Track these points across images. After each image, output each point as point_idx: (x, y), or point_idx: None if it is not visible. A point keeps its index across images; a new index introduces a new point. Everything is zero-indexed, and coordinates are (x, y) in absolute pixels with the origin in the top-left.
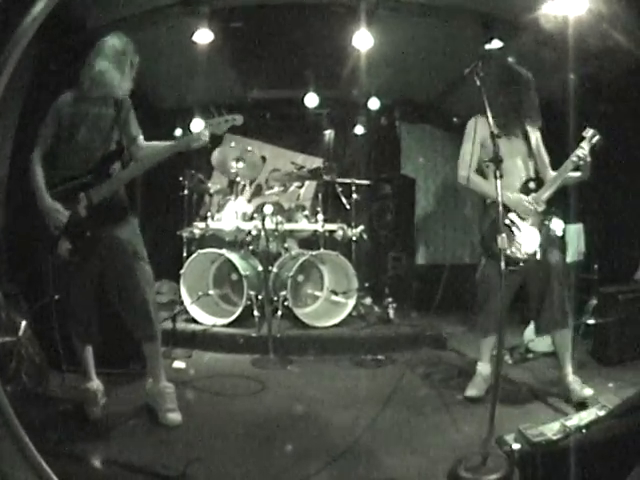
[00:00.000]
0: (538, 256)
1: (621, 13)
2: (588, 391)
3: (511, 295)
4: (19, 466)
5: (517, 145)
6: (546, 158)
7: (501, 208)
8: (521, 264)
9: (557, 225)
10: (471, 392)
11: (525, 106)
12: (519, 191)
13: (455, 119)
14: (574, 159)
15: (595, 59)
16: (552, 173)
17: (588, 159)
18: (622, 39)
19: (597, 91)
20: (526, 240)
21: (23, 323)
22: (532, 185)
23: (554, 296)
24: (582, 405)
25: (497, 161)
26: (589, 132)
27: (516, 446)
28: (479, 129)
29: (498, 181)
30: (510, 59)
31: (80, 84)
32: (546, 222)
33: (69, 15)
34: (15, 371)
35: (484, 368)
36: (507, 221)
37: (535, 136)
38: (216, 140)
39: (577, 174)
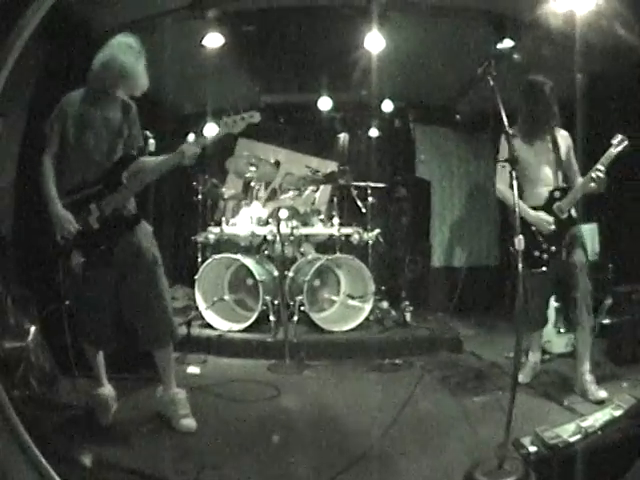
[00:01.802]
0: (564, 257)
1: (629, 9)
2: (603, 393)
3: (546, 295)
4: (25, 472)
5: (545, 153)
6: (576, 166)
7: (518, 209)
8: (543, 268)
9: (583, 228)
10: (520, 378)
11: (551, 114)
12: (545, 200)
13: (469, 120)
14: (593, 176)
15: (603, 56)
16: (581, 179)
17: (604, 179)
18: (630, 36)
19: (605, 89)
20: (550, 242)
21: (32, 329)
22: (558, 194)
23: (580, 293)
24: (597, 404)
25: (513, 161)
26: (617, 138)
27: (533, 449)
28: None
29: (514, 182)
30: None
31: (90, 78)
32: (570, 228)
33: (77, 17)
34: (23, 377)
35: (533, 356)
36: (532, 227)
37: (566, 143)
38: (230, 146)
39: (593, 185)
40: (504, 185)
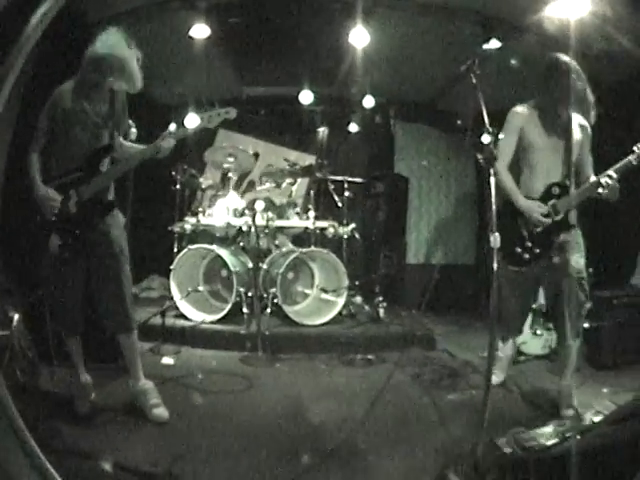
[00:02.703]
0: (555, 264)
1: (624, 15)
2: (570, 412)
3: (526, 298)
4: (18, 459)
5: (556, 140)
6: (589, 160)
7: (494, 207)
8: (523, 268)
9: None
10: (496, 378)
11: (571, 99)
12: (541, 194)
13: (451, 119)
14: (612, 174)
15: (597, 62)
16: (593, 177)
17: (617, 185)
18: (625, 41)
19: (598, 94)
20: (535, 243)
21: (16, 316)
22: (556, 190)
23: (571, 307)
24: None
25: (490, 159)
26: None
27: (508, 450)
28: (517, 120)
29: (492, 178)
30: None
31: (81, 70)
32: (561, 231)
33: (66, 9)
34: (9, 365)
35: (504, 350)
36: (518, 221)
37: (583, 135)
38: (209, 137)
39: (603, 191)
40: (502, 165)
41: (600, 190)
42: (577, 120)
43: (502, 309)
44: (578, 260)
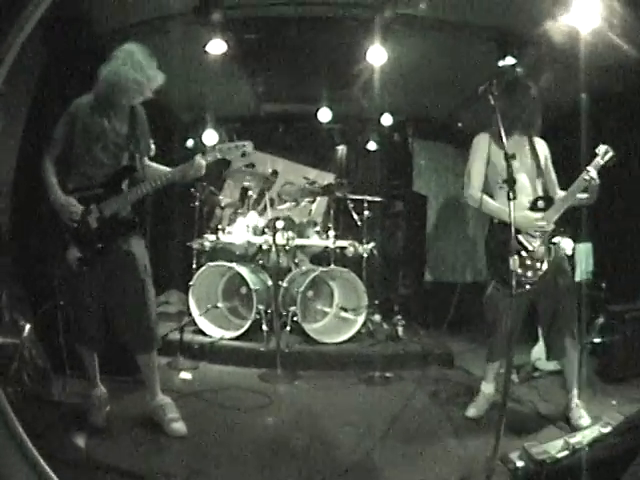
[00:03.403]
0: (548, 277)
1: (633, 25)
2: (585, 421)
3: (521, 317)
4: (20, 468)
5: (525, 161)
6: (554, 176)
7: (514, 230)
8: (527, 287)
9: (567, 244)
10: (471, 412)
11: (530, 119)
12: (528, 210)
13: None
14: (586, 177)
15: (607, 73)
16: (560, 192)
17: (597, 182)
18: (635, 52)
19: (608, 105)
20: (535, 261)
21: (27, 326)
22: (541, 204)
23: (564, 320)
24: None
25: (511, 183)
26: (602, 149)
27: (520, 463)
28: (485, 146)
29: (511, 203)
30: (518, 70)
31: (99, 90)
32: (555, 242)
33: (79, 18)
34: (16, 373)
35: (487, 388)
36: (516, 241)
37: (544, 153)
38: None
39: (584, 196)
40: (477, 191)
41: (584, 196)
42: (537, 140)
43: (497, 330)
44: (566, 275)
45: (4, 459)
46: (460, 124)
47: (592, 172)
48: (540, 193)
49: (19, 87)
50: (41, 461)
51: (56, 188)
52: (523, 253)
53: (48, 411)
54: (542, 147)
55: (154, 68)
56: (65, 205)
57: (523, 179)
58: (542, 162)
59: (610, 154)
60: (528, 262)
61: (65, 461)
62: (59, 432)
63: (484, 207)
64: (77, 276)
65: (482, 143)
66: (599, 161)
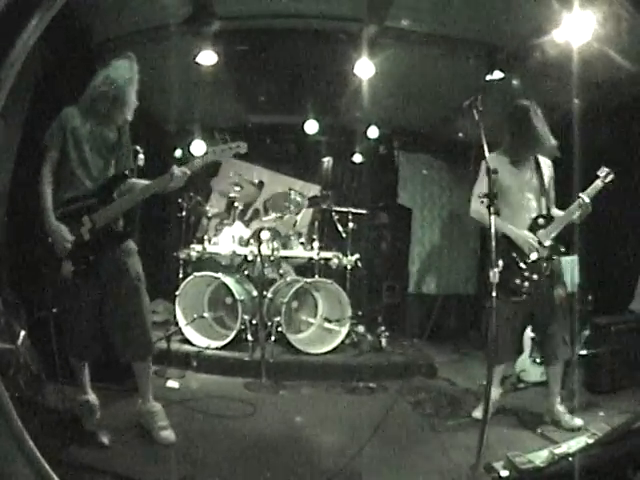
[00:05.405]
0: (544, 289)
1: (627, 38)
2: (579, 421)
3: (520, 326)
4: (21, 468)
5: (529, 179)
6: (553, 194)
7: (494, 243)
8: (524, 297)
9: (563, 260)
10: (477, 413)
11: (535, 138)
12: (528, 227)
13: (452, 149)
14: (581, 203)
15: (600, 86)
16: (557, 211)
17: (590, 208)
18: (628, 65)
19: (601, 119)
20: (529, 274)
21: (22, 333)
22: (541, 221)
23: (557, 329)
24: (572, 431)
25: (491, 197)
26: (604, 172)
27: (504, 473)
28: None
29: (492, 216)
30: (515, 88)
31: (88, 101)
32: (553, 257)
33: (74, 27)
34: (13, 378)
35: (494, 392)
36: (514, 254)
37: (549, 172)
38: (215, 164)
39: (578, 214)
40: (478, 205)
41: (578, 214)
42: (543, 159)
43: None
44: (559, 286)
45: (5, 459)
46: (445, 139)
47: (584, 199)
48: (543, 211)
49: (16, 97)
50: (42, 461)
51: (49, 212)
52: (520, 265)
53: (43, 417)
54: (547, 166)
55: (134, 91)
56: (56, 235)
57: (527, 196)
58: (546, 182)
59: (611, 177)
60: (524, 274)
61: (59, 465)
62: (53, 437)
63: (484, 222)
64: (72, 287)
65: (485, 164)
66: (599, 183)
